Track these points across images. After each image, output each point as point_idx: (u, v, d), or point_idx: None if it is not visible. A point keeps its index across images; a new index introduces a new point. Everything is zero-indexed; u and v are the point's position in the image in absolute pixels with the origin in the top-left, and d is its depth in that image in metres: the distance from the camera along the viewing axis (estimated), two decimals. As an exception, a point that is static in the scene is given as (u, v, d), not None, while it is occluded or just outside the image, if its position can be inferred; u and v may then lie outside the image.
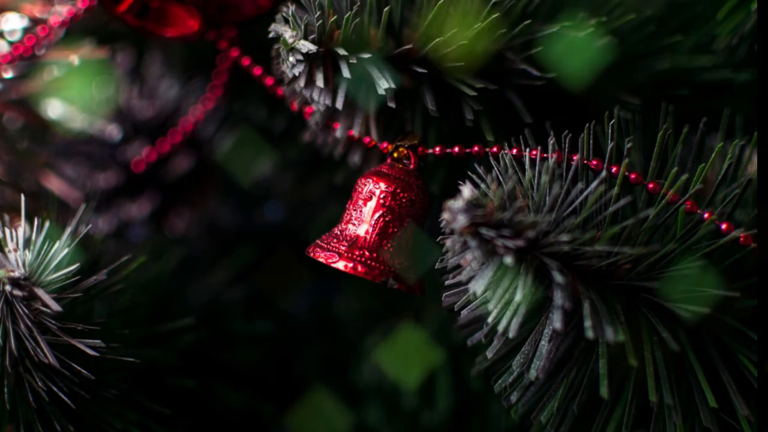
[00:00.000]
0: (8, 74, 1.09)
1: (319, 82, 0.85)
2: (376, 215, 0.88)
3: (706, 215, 0.80)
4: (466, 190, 0.72)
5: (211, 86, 1.12)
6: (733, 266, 0.81)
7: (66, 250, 0.85)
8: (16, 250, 0.84)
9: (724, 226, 0.80)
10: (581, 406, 0.82)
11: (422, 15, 0.87)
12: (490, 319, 0.76)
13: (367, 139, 0.94)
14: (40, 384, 0.85)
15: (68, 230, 0.87)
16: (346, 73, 0.85)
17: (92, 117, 1.18)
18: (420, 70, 0.88)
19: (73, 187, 1.15)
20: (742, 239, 0.79)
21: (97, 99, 1.18)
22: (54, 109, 1.16)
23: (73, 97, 1.14)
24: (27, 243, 0.85)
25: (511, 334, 0.73)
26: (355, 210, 0.90)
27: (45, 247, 0.85)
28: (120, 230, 1.24)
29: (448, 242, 0.74)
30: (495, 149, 0.87)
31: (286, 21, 0.86)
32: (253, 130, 1.22)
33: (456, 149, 0.90)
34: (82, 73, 1.12)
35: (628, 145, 0.82)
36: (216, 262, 1.25)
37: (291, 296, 1.31)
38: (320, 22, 0.84)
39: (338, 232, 0.90)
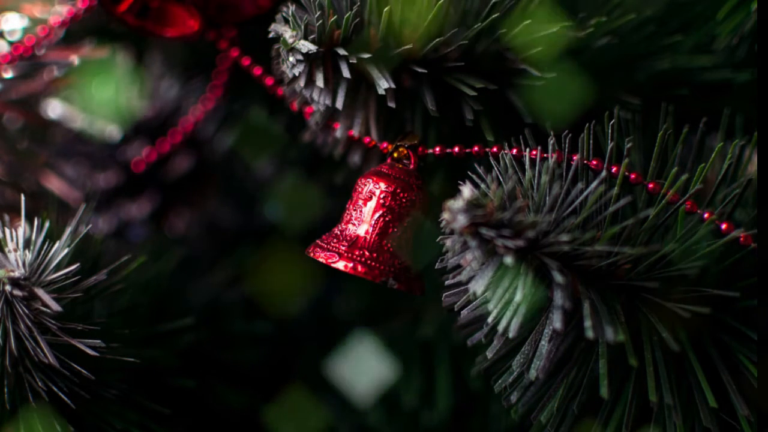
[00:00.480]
0: (8, 74, 1.09)
1: (319, 82, 0.85)
2: (376, 215, 0.88)
3: (706, 215, 0.80)
4: (466, 190, 0.72)
5: (211, 86, 1.12)
6: (733, 266, 0.81)
7: (66, 250, 0.85)
8: (16, 250, 0.84)
9: (724, 226, 0.80)
10: (581, 406, 0.82)
11: (422, 15, 0.87)
12: (490, 319, 0.76)
13: (367, 139, 0.94)
14: (40, 384, 0.85)
15: (68, 230, 0.87)
16: (346, 73, 0.85)
17: (98, 118, 1.18)
18: (420, 70, 0.88)
19: (73, 187, 1.15)
20: (742, 239, 0.79)
21: (106, 99, 1.18)
22: (54, 109, 1.16)
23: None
24: (27, 243, 0.85)
25: (511, 334, 0.73)
26: (355, 210, 0.90)
27: (45, 247, 0.85)
28: (120, 230, 1.24)
29: (448, 242, 0.74)
30: (495, 149, 0.87)
31: (286, 21, 0.86)
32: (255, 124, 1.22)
33: (456, 149, 0.90)
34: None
35: (628, 145, 0.82)
36: (216, 262, 1.25)
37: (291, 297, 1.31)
38: (320, 22, 0.84)
39: (338, 232, 0.90)
